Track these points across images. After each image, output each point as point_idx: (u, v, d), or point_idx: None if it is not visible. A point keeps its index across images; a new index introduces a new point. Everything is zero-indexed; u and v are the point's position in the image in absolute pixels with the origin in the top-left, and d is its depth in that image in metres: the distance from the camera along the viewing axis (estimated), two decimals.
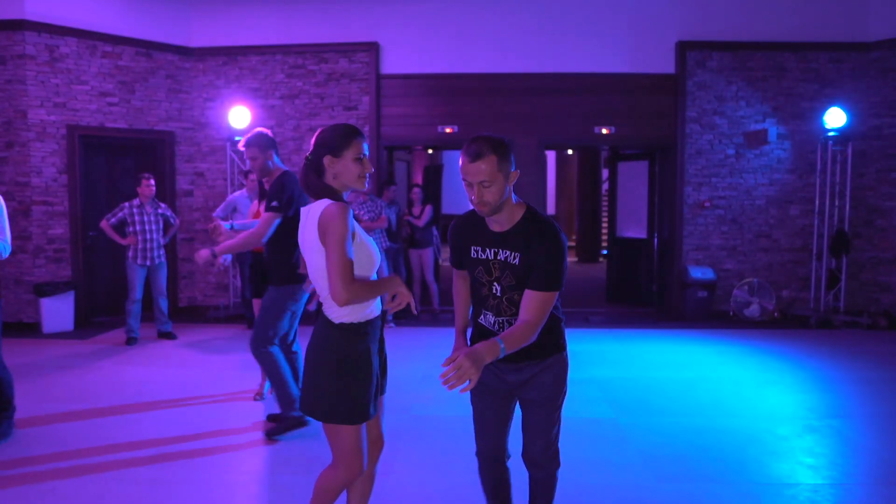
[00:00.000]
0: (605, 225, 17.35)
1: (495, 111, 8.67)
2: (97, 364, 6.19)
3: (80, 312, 7.88)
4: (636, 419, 4.71)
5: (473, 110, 8.68)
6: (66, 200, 7.88)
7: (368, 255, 2.48)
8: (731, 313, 8.51)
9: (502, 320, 2.46)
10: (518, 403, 2.64)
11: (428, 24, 8.62)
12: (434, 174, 14.26)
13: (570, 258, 17.67)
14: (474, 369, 2.10)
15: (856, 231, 8.45)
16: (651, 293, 9.31)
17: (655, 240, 9.19)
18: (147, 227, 6.99)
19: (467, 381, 2.10)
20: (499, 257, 2.41)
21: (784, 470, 3.86)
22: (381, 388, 2.63)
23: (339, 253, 2.30)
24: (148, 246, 7.00)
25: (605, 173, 18.30)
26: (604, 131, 8.68)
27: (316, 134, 2.50)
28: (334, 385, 2.43)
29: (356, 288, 2.33)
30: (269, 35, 8.68)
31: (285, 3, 8.62)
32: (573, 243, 20.16)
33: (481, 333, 2.56)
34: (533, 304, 2.31)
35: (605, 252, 16.71)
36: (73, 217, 7.94)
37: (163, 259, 7.18)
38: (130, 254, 7.00)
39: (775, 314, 8.48)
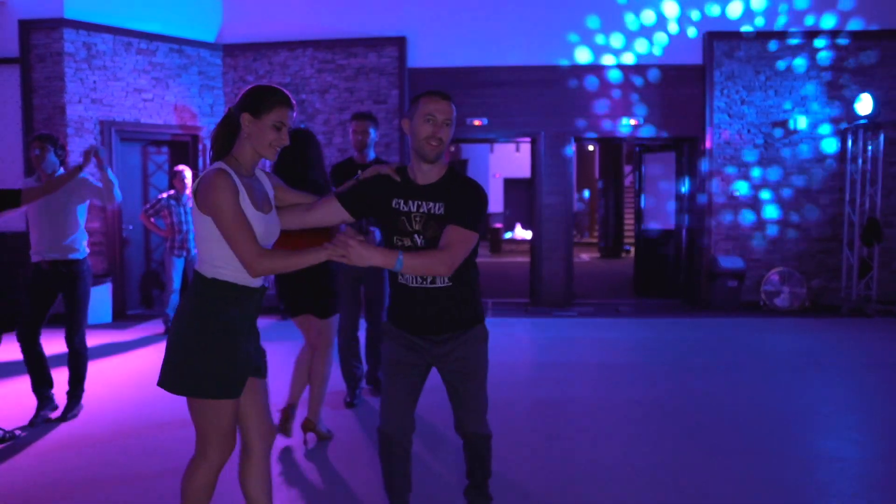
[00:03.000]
0: (627, 221, 17.35)
1: (523, 103, 8.72)
2: (139, 352, 6.31)
3: (116, 304, 8.02)
4: (679, 400, 4.75)
5: (501, 103, 8.74)
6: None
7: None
8: (761, 303, 8.50)
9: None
10: (443, 379, 2.66)
11: (455, 18, 8.69)
12: (460, 169, 14.28)
13: (593, 253, 17.68)
14: (357, 250, 2.16)
15: (887, 220, 8.40)
16: (679, 284, 9.31)
17: (683, 231, 9.19)
18: (183, 219, 7.12)
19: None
20: (422, 209, 2.46)
21: (832, 446, 3.88)
22: (259, 370, 2.38)
23: (230, 222, 2.14)
24: (184, 237, 7.13)
25: (626, 169, 18.34)
26: (631, 122, 8.70)
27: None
28: (197, 353, 2.20)
29: (268, 258, 2.18)
30: (299, 30, 8.78)
31: None
32: (594, 240, 20.20)
33: (402, 295, 2.54)
34: (451, 236, 2.35)
35: (626, 248, 16.75)
36: (108, 211, 8.09)
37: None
38: (167, 245, 7.14)
39: (806, 303, 8.46)
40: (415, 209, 2.48)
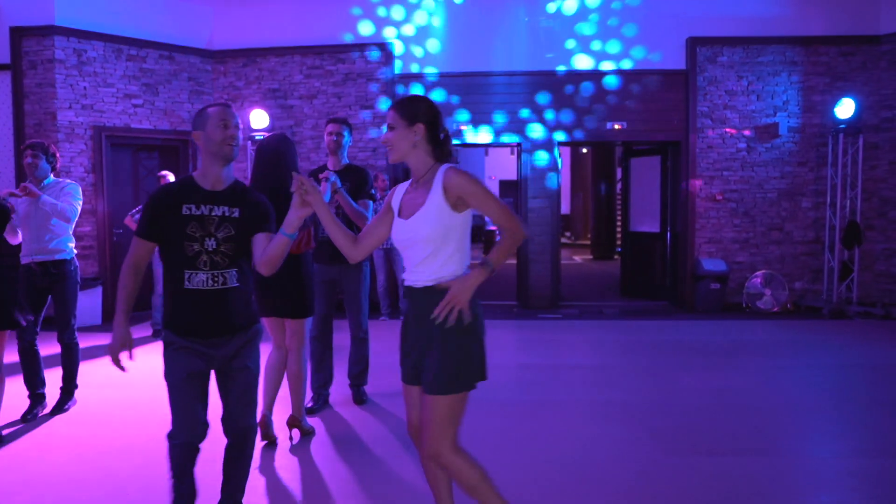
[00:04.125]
0: (619, 222, 17.44)
1: (509, 108, 8.83)
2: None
3: (106, 307, 8.14)
4: (659, 401, 4.85)
5: (488, 108, 8.85)
6: (93, 199, 8.15)
7: None
8: (744, 305, 8.60)
9: (217, 273, 2.61)
10: (222, 378, 2.73)
11: (441, 25, 8.80)
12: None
13: (586, 255, 17.76)
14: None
15: (868, 223, 8.51)
16: (664, 286, 9.42)
17: (668, 234, 9.30)
18: None
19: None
20: (214, 213, 2.63)
21: (809, 444, 3.99)
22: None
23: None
24: None
25: (619, 172, 18.44)
26: (616, 127, 8.81)
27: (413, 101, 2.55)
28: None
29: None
30: (288, 36, 8.90)
31: (303, 5, 8.83)
32: (587, 241, 20.26)
33: (191, 301, 2.60)
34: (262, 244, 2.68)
35: (619, 250, 16.83)
36: (99, 215, 8.21)
37: None
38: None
39: (788, 305, 8.56)
40: (207, 213, 2.72)
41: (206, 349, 2.64)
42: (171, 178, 7.31)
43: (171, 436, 2.67)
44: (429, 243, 2.39)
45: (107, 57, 8.24)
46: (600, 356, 6.33)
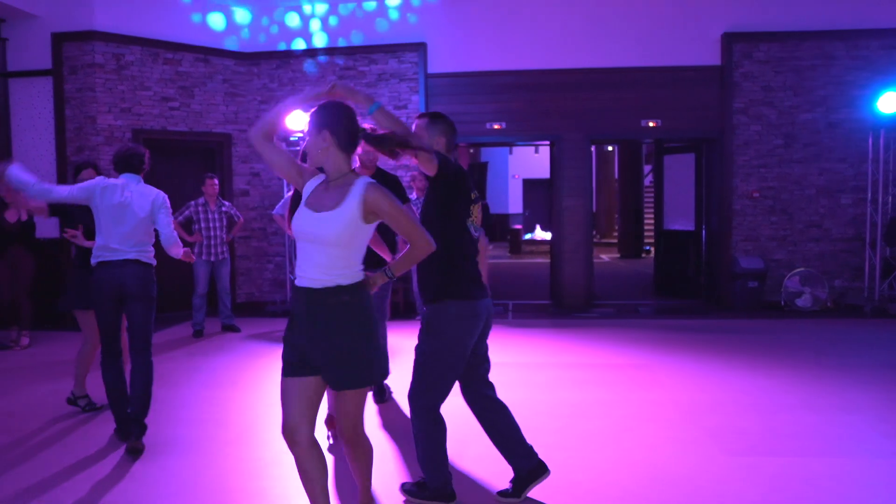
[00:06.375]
0: (647, 220, 17.35)
1: (542, 107, 8.81)
2: (170, 354, 6.49)
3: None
4: (703, 401, 4.81)
5: (520, 106, 8.83)
6: None
7: None
8: (783, 303, 8.50)
9: None
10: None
11: (474, 23, 8.79)
12: (479, 172, 14.41)
13: (612, 254, 17.67)
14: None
15: None
16: (699, 285, 9.34)
17: (703, 231, 9.22)
18: (211, 225, 7.30)
19: None
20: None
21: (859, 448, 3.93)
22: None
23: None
24: (212, 242, 7.31)
25: (646, 168, 18.33)
26: (650, 124, 8.75)
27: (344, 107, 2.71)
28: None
29: None
30: (321, 38, 8.94)
31: (335, 7, 8.86)
32: (613, 240, 20.17)
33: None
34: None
35: (647, 248, 16.74)
36: None
37: (226, 255, 7.48)
38: (196, 250, 7.32)
39: (828, 304, 8.45)
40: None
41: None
42: (216, 181, 7.39)
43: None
44: (334, 246, 2.52)
45: (144, 61, 8.33)
46: (642, 355, 6.29)
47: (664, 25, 8.63)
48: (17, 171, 3.86)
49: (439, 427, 3.11)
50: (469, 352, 3.11)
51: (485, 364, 3.26)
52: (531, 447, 3.27)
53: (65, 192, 4.07)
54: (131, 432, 3.99)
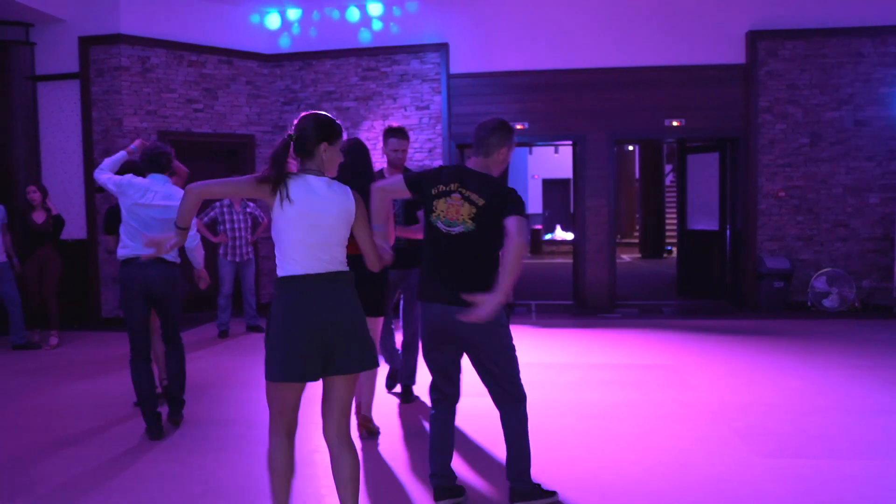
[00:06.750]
0: (668, 220, 17.23)
1: (564, 107, 8.77)
2: (196, 354, 6.55)
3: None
4: (731, 403, 4.77)
5: (543, 107, 8.80)
6: None
7: None
8: (809, 304, 8.40)
9: None
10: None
11: (496, 23, 8.78)
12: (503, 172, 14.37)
13: (633, 254, 17.57)
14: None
15: None
16: (723, 285, 9.25)
17: (728, 231, 9.13)
18: (236, 226, 7.35)
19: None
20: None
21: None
22: (326, 366, 2.57)
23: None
24: (237, 243, 7.36)
25: (666, 168, 18.20)
26: (674, 124, 8.68)
27: (304, 119, 2.67)
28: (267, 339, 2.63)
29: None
30: (343, 39, 8.97)
31: (357, 8, 8.88)
32: (633, 240, 20.04)
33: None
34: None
35: (668, 248, 16.62)
36: None
37: (251, 256, 7.53)
38: (221, 251, 7.38)
39: (856, 304, 8.34)
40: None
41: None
42: None
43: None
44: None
45: (169, 63, 8.41)
46: (668, 356, 6.24)
47: (688, 24, 8.57)
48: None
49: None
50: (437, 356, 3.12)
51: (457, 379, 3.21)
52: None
53: (105, 178, 4.39)
54: (172, 409, 4.44)
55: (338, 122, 2.74)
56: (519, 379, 3.11)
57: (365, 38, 8.94)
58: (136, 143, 4.91)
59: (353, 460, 2.64)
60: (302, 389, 2.61)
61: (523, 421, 3.09)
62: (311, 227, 2.56)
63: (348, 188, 2.70)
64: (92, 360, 6.44)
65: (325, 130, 2.64)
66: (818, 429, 4.19)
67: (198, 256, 4.52)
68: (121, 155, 4.77)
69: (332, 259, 2.61)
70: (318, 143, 2.62)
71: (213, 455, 3.93)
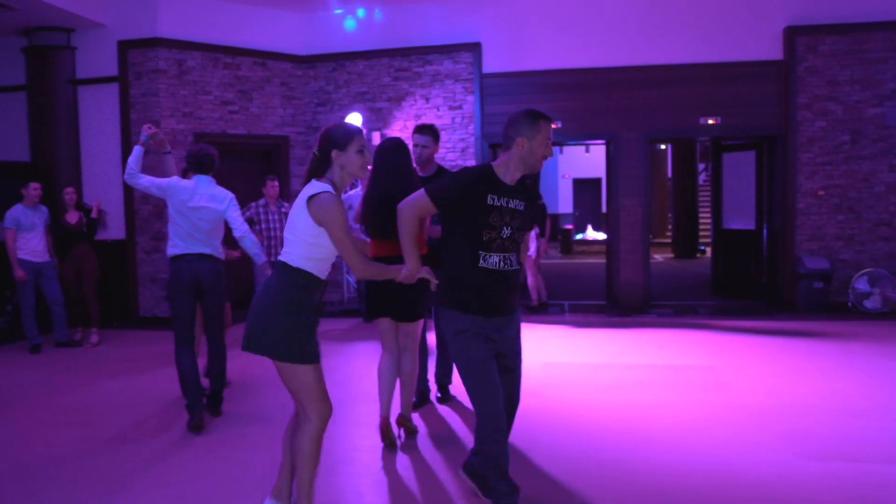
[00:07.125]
0: (702, 219, 16.99)
1: (597, 105, 8.70)
2: (232, 352, 6.62)
3: None
4: (772, 404, 4.69)
5: (575, 105, 8.74)
6: None
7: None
8: (850, 305, 8.22)
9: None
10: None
11: (529, 22, 8.75)
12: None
13: (666, 254, 17.36)
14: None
15: None
16: (760, 285, 9.10)
17: (765, 230, 8.98)
18: (272, 226, 7.43)
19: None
20: (510, 205, 2.96)
21: None
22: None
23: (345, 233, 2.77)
24: (273, 243, 7.44)
25: (699, 166, 17.95)
26: (710, 122, 8.56)
27: (321, 133, 2.86)
28: (283, 324, 2.73)
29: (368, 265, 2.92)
30: (376, 40, 9.02)
31: (389, 8, 8.92)
32: (666, 239, 19.81)
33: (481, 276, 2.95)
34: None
35: (702, 248, 16.38)
36: None
37: None
38: None
39: None
40: (505, 205, 2.96)
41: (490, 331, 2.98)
42: (276, 182, 7.51)
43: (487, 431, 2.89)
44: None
45: (205, 66, 8.54)
46: (704, 356, 6.16)
47: (723, 20, 8.44)
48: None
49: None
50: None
51: None
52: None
53: (146, 182, 4.45)
54: (212, 404, 4.59)
55: (349, 125, 2.88)
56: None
57: (397, 39, 8.98)
58: (145, 132, 4.67)
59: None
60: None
61: None
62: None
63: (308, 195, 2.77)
64: (131, 357, 6.57)
65: (331, 139, 2.80)
66: (862, 432, 4.10)
67: (256, 249, 4.71)
68: (137, 150, 4.56)
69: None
70: (328, 153, 2.79)
71: (254, 452, 3.98)
